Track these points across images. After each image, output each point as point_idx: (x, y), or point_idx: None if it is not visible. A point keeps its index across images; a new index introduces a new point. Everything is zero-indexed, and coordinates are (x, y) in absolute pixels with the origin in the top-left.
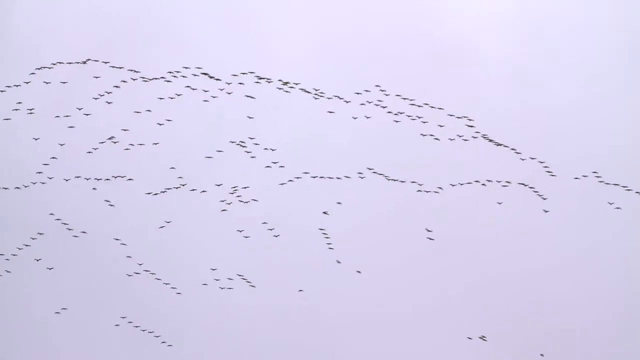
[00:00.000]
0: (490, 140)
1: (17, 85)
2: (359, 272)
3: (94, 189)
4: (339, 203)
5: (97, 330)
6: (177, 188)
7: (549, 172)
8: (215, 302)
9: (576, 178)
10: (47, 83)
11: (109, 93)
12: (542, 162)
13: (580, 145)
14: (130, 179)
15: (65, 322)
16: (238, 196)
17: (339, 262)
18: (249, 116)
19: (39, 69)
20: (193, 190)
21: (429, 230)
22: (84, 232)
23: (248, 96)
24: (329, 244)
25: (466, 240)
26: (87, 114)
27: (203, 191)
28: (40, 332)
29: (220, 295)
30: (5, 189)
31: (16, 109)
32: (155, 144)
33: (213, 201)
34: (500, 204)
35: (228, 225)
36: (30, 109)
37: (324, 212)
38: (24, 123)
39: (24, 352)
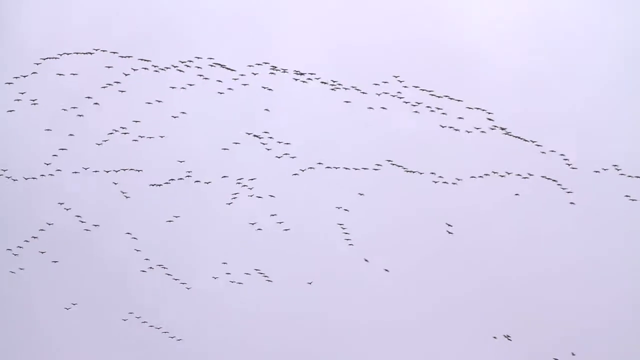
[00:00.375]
0: (508, 133)
1: (24, 76)
2: (386, 270)
3: (114, 183)
4: (361, 194)
5: (104, 325)
6: (181, 179)
7: (568, 164)
8: (225, 297)
9: (596, 171)
10: (54, 74)
11: (118, 82)
12: (562, 155)
13: (601, 138)
14: (139, 171)
15: (72, 317)
16: (250, 188)
17: (366, 261)
18: (266, 108)
19: (44, 59)
20: (201, 182)
21: (449, 225)
22: (96, 225)
23: (265, 87)
24: (347, 239)
25: (485, 233)
26: (96, 103)
27: (208, 182)
28: (46, 326)
29: (230, 290)
30: (15, 180)
31: (18, 99)
32: (162, 137)
33: (225, 194)
34: (517, 195)
35: (241, 218)
36: (34, 100)
37: (344, 209)
38: (32, 114)
39: (29, 346)
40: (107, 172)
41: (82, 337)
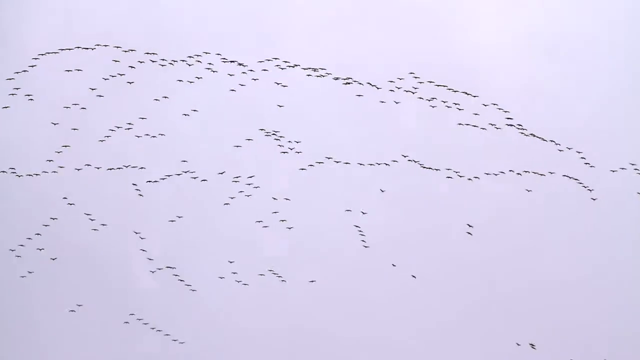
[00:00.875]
0: (524, 130)
1: (24, 71)
2: (394, 265)
3: (134, 184)
4: (382, 191)
5: (105, 327)
6: (178, 174)
7: (586, 163)
8: (229, 299)
9: (613, 171)
10: (56, 70)
11: (122, 74)
12: (579, 153)
13: (618, 136)
14: (142, 168)
15: (71, 318)
16: (256, 187)
17: (394, 266)
18: (279, 104)
19: (42, 54)
20: (210, 179)
21: (470, 226)
22: (104, 224)
23: (277, 83)
24: (363, 240)
25: (504, 233)
26: (100, 95)
27: (201, 180)
28: (44, 328)
29: (235, 291)
30: (19, 176)
31: (22, 96)
32: (168, 134)
33: (234, 192)
34: (529, 191)
35: (251, 217)
36: (29, 95)
37: (360, 206)
38: (33, 111)
39: (27, 348)
40: (110, 169)
41: (81, 339)
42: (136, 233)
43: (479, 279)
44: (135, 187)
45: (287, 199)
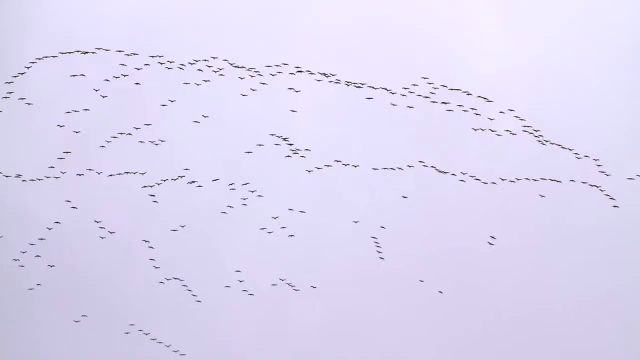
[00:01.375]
0: (540, 136)
1: (21, 73)
2: (440, 292)
3: (150, 191)
4: (404, 197)
5: (106, 337)
6: (174, 180)
7: (602, 171)
8: (233, 309)
9: (630, 178)
10: (53, 73)
11: (125, 75)
12: (596, 160)
13: (635, 144)
14: (143, 174)
15: (69, 327)
16: (260, 195)
17: (421, 281)
18: (292, 109)
19: (40, 59)
20: (217, 185)
21: (493, 237)
22: (112, 232)
23: (290, 89)
24: (378, 249)
25: (524, 241)
26: (103, 96)
27: (209, 186)
28: (42, 337)
29: (239, 303)
30: (24, 181)
31: (6, 97)
32: (162, 140)
33: (242, 198)
34: (542, 196)
35: (266, 225)
36: (23, 98)
37: (378, 212)
38: (33, 115)
39: (28, 356)
40: (111, 175)
41: (82, 350)
42: (145, 241)
43: (497, 288)
44: (150, 195)
45: (302, 211)
